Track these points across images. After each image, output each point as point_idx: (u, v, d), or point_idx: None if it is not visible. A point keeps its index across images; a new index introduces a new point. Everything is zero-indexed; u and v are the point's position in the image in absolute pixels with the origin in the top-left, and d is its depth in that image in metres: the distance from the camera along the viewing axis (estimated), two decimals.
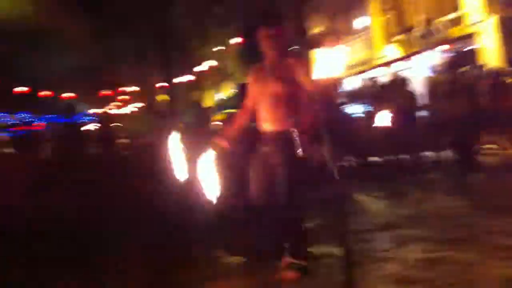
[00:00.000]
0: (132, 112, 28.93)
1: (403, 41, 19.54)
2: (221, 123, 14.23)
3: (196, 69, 19.82)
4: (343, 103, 17.00)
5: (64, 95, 22.90)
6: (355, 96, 18.56)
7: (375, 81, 20.27)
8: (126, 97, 25.83)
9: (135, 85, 23.69)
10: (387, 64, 19.48)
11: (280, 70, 4.00)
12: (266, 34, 3.98)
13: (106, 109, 27.65)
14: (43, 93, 22.52)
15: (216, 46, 19.20)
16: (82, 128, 14.95)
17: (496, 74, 11.16)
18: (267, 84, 4.02)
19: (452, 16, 16.96)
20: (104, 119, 21.87)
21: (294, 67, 3.98)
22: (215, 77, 26.57)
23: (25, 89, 20.49)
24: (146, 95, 23.08)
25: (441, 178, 8.53)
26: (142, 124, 24.66)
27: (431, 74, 16.44)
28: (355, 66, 22.19)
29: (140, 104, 27.14)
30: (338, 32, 20.62)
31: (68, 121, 11.41)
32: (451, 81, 10.12)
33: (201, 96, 22.72)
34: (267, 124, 4.04)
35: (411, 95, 11.07)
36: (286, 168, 3.88)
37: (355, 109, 17.03)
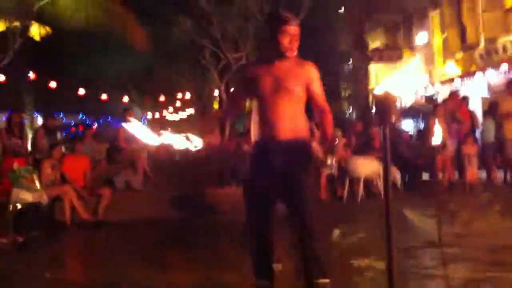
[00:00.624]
0: (181, 119, 29.36)
1: (464, 59, 19.10)
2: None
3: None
4: (399, 119, 16.84)
5: (124, 99, 23.49)
6: (411, 113, 18.31)
7: (433, 99, 19.95)
8: (179, 103, 26.18)
9: (189, 92, 24.04)
10: (447, 81, 19.08)
11: (298, 72, 3.59)
12: (294, 30, 3.55)
13: (161, 115, 28.14)
14: (103, 96, 23.19)
15: None
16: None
17: None
18: (280, 82, 3.55)
19: None
20: (159, 124, 22.28)
21: (310, 73, 3.63)
22: None
23: (83, 91, 21.15)
24: (199, 101, 23.38)
25: (493, 198, 8.28)
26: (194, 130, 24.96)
27: (492, 94, 16.01)
28: (414, 82, 21.85)
29: (192, 111, 27.53)
30: (399, 48, 20.36)
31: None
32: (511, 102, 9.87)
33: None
34: (276, 130, 3.52)
35: (470, 114, 10.86)
36: (309, 182, 3.55)
37: (410, 126, 16.77)
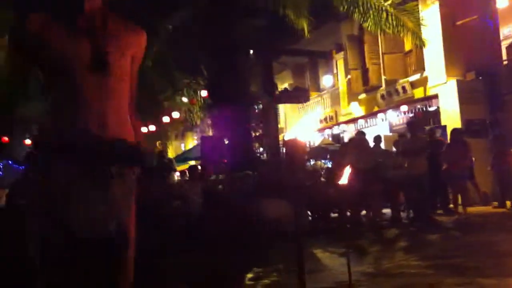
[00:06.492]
0: None
1: (367, 99, 19.95)
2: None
3: (162, 119, 19.75)
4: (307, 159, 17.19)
5: (27, 141, 22.34)
6: (318, 152, 18.79)
7: (339, 138, 20.59)
8: None
9: None
10: (351, 121, 19.81)
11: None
12: None
13: None
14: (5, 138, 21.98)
15: (183, 97, 19.26)
16: None
17: (455, 135, 11.44)
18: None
19: (414, 77, 17.45)
20: None
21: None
22: (180, 128, 26.52)
23: None
24: None
25: (400, 235, 8.54)
26: None
27: (394, 133, 16.76)
28: (321, 122, 22.51)
29: None
30: (306, 89, 20.96)
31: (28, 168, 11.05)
32: (412, 141, 10.33)
33: (165, 147, 22.57)
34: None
35: (373, 153, 11.24)
36: None
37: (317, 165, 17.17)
